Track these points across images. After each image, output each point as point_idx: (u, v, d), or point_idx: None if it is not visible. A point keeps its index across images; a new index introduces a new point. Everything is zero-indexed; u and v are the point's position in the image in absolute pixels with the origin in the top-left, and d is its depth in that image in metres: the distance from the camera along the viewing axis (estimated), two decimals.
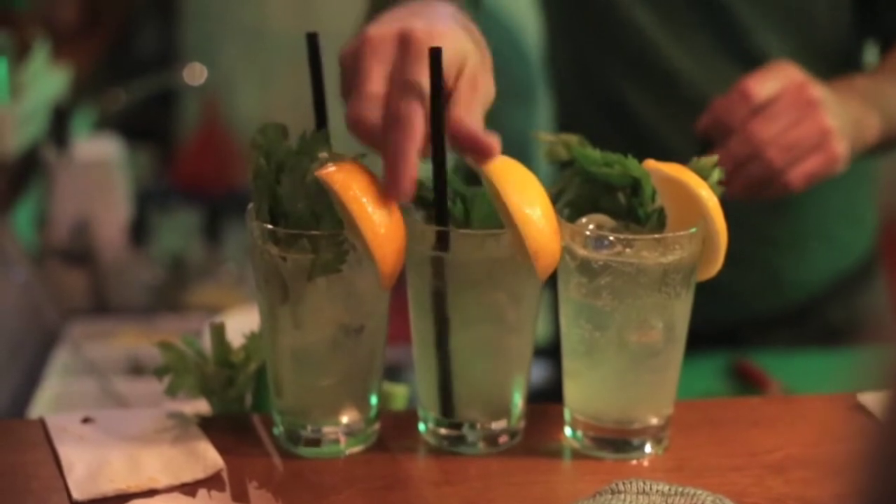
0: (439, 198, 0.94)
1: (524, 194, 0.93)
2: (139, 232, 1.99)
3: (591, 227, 0.96)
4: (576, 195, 0.99)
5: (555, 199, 0.97)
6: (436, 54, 0.90)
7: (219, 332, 1.04)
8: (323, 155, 0.93)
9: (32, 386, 1.60)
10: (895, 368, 0.50)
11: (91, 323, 1.77)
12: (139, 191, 2.32)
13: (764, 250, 1.62)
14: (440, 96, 0.91)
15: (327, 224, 0.93)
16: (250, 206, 0.96)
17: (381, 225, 0.91)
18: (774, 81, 1.23)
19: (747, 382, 1.69)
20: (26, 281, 1.69)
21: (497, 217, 0.96)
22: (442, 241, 0.95)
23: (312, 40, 0.98)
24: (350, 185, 0.92)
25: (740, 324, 1.68)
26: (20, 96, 1.92)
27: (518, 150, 1.06)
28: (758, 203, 1.33)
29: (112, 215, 1.97)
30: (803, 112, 1.22)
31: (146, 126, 2.81)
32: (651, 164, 0.95)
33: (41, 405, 1.53)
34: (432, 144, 0.93)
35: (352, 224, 0.92)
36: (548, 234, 0.93)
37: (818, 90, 1.24)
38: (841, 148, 1.23)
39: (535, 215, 0.93)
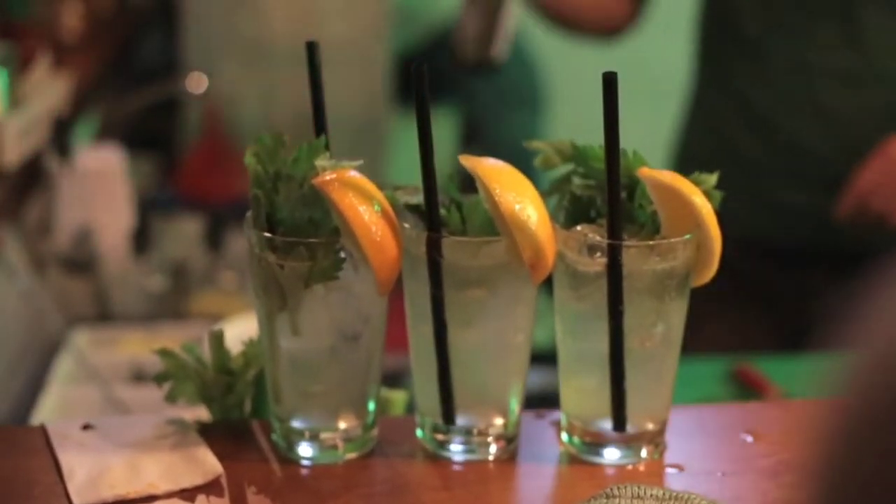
0: (429, 204, 0.95)
1: (519, 200, 0.94)
2: (141, 240, 2.00)
3: (585, 234, 0.97)
4: (572, 199, 0.99)
5: (550, 203, 0.97)
6: None
7: (217, 339, 1.05)
8: (320, 163, 0.94)
9: (35, 393, 1.61)
10: (852, 375, 0.50)
11: (94, 330, 1.78)
12: (141, 199, 2.33)
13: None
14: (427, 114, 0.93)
15: (324, 232, 0.94)
16: (248, 213, 0.97)
17: (377, 232, 0.92)
18: None
19: (747, 388, 1.70)
20: (29, 289, 1.70)
21: (493, 225, 0.97)
22: (434, 247, 0.95)
23: (312, 49, 0.99)
24: (347, 193, 0.93)
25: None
26: (22, 106, 1.94)
27: (521, 157, 1.07)
28: None
29: (114, 224, 1.98)
30: None
31: (148, 135, 2.82)
32: (645, 171, 0.96)
33: (44, 412, 1.54)
34: (420, 149, 0.94)
35: (348, 231, 0.93)
36: (543, 240, 0.94)
37: None
38: None
39: (530, 222, 0.93)
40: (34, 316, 1.70)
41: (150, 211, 2.30)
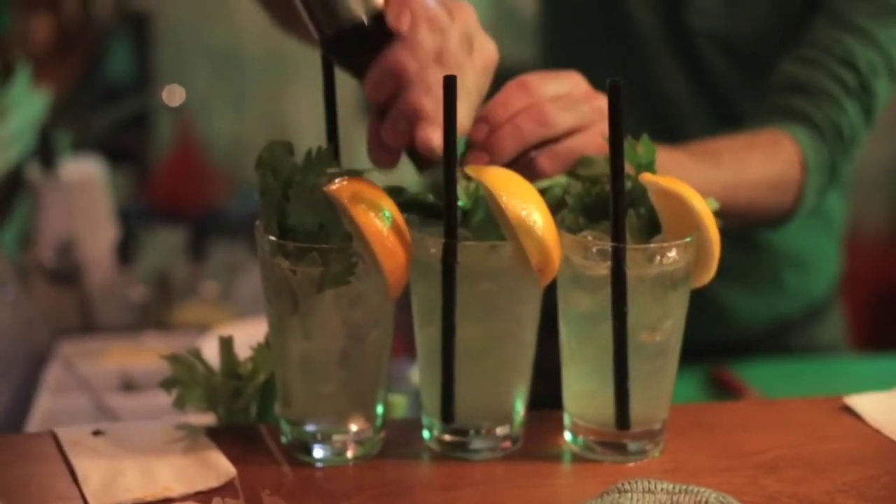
0: (448, 211, 0.97)
1: (525, 207, 0.97)
2: (123, 251, 2.00)
3: (589, 238, 1.00)
4: (576, 203, 1.02)
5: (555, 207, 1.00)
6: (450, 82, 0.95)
7: (227, 344, 1.07)
8: (331, 170, 0.97)
9: (25, 403, 1.61)
10: None
11: (81, 341, 1.79)
12: (117, 211, 2.33)
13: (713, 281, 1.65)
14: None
15: (335, 237, 0.97)
16: (258, 222, 0.99)
17: (389, 238, 0.95)
18: (559, 83, 1.08)
19: (725, 391, 1.73)
20: (16, 299, 1.70)
21: (492, 225, 1.00)
22: (450, 253, 0.98)
23: (328, 61, 1.02)
24: (358, 199, 0.95)
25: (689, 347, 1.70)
26: (4, 117, 1.94)
27: None
28: None
29: (98, 235, 1.98)
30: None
31: (122, 147, 2.82)
32: (647, 177, 0.99)
33: (35, 422, 1.55)
34: (444, 158, 0.96)
35: (361, 238, 0.95)
36: (550, 244, 0.97)
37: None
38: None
39: (536, 227, 0.96)
40: (21, 326, 1.71)
41: (126, 223, 2.31)
